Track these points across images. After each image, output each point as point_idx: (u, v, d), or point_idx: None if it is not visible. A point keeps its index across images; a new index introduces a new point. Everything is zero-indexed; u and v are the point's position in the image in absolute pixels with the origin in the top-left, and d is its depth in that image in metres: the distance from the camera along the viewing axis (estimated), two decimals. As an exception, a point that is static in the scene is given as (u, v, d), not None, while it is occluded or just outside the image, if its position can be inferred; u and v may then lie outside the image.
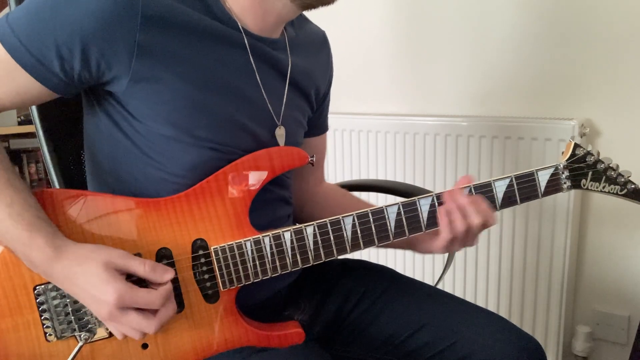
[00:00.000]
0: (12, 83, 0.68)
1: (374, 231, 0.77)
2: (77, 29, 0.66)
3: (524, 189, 0.80)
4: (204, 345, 0.74)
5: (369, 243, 0.77)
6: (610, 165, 0.82)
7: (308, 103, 0.90)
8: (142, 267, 0.66)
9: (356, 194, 1.07)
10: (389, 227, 0.77)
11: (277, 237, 0.74)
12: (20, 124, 2.34)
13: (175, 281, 0.72)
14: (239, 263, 0.74)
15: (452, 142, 1.54)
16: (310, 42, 0.92)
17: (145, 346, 0.72)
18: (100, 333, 0.71)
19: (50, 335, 0.70)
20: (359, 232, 0.76)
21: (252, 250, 0.74)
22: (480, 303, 1.43)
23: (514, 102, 1.53)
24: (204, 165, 0.74)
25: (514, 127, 1.44)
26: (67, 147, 0.95)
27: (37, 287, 0.69)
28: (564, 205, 1.39)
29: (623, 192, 0.82)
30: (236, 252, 0.74)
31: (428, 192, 0.81)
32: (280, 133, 0.82)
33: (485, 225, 0.77)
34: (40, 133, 0.92)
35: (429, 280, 1.64)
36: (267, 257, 0.74)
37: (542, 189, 0.81)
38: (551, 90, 1.47)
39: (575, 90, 1.43)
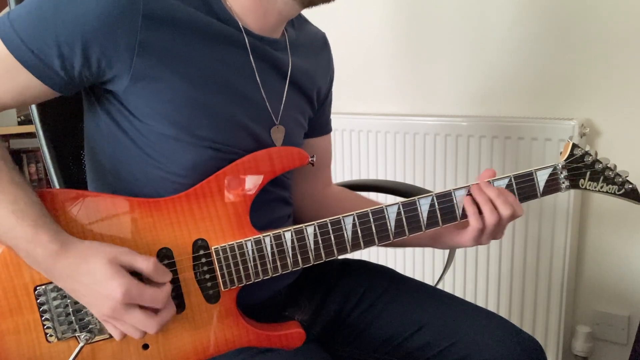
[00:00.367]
0: (13, 81, 0.68)
1: (374, 231, 0.77)
2: (78, 27, 0.66)
3: (522, 188, 0.80)
4: (204, 346, 0.74)
5: (369, 243, 0.77)
6: (608, 165, 0.82)
7: (309, 103, 0.90)
8: (146, 264, 0.66)
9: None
10: (389, 227, 0.77)
11: (277, 237, 0.74)
12: (20, 124, 2.34)
13: (176, 281, 0.72)
14: (239, 263, 0.74)
15: (452, 142, 1.54)
16: (310, 43, 0.92)
17: (145, 347, 0.72)
18: (101, 333, 0.71)
19: (50, 335, 0.70)
20: (359, 232, 0.76)
21: (252, 250, 0.74)
22: (480, 303, 1.43)
23: (514, 102, 1.53)
24: (204, 164, 0.74)
25: (514, 127, 1.44)
26: (67, 147, 0.95)
27: (38, 288, 0.69)
28: (564, 205, 1.39)
29: (621, 192, 0.82)
30: (237, 252, 0.74)
31: (428, 192, 0.81)
32: (278, 132, 0.82)
33: (513, 217, 0.78)
34: (40, 133, 0.92)
35: (429, 280, 1.64)
36: (268, 257, 0.75)
37: (541, 188, 0.81)
38: (551, 90, 1.47)
39: (575, 90, 1.43)
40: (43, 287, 0.69)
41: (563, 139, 1.37)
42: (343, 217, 0.76)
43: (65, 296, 0.69)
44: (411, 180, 1.63)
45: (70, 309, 0.70)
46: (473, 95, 1.59)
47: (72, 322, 0.70)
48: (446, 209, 0.79)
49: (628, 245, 1.43)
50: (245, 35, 0.77)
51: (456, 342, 0.83)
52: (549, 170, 0.81)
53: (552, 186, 0.81)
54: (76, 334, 0.70)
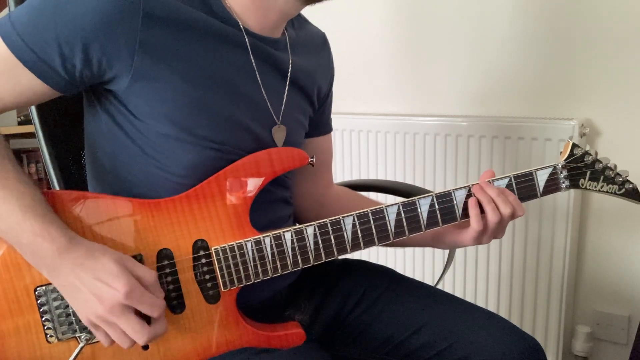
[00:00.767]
0: (14, 81, 0.68)
1: (374, 231, 0.77)
2: (78, 26, 0.66)
3: (522, 188, 0.80)
4: (204, 346, 0.74)
5: (369, 243, 0.77)
6: (608, 165, 0.82)
7: (309, 103, 0.90)
8: (148, 274, 0.67)
9: (356, 194, 1.06)
10: (389, 227, 0.77)
11: (277, 238, 0.74)
12: (20, 124, 2.34)
13: (176, 282, 0.73)
14: (239, 263, 0.74)
15: (452, 142, 1.54)
16: (310, 42, 0.92)
17: (146, 347, 0.72)
18: (101, 333, 0.71)
19: (51, 336, 0.70)
20: (359, 232, 0.76)
21: (252, 250, 0.74)
22: (480, 303, 1.43)
23: (514, 102, 1.53)
24: (204, 164, 0.74)
25: (514, 127, 1.44)
26: (67, 147, 0.95)
27: (38, 289, 0.69)
28: (564, 205, 1.39)
29: (621, 192, 0.82)
30: (237, 252, 0.74)
31: (428, 192, 0.81)
32: (279, 132, 0.82)
33: (513, 216, 0.79)
34: (40, 133, 0.92)
35: (429, 280, 1.64)
36: (268, 258, 0.75)
37: (541, 188, 0.81)
38: (551, 90, 1.47)
39: (575, 90, 1.43)
40: (43, 287, 0.69)
41: (563, 139, 1.37)
42: (343, 217, 0.76)
43: (65, 297, 0.69)
44: (411, 180, 1.63)
45: (71, 310, 0.70)
46: (473, 95, 1.59)
47: (72, 323, 0.70)
48: (446, 209, 0.79)
49: (628, 245, 1.43)
50: (245, 34, 0.77)
51: (456, 342, 0.83)
52: (549, 170, 0.81)
53: (552, 186, 0.81)
54: (76, 335, 0.70)
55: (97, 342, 0.71)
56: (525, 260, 1.48)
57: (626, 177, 0.82)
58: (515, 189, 0.80)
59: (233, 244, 0.73)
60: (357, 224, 0.76)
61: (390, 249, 1.72)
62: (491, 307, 1.55)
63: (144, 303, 0.65)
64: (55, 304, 0.70)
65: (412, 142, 1.62)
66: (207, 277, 0.74)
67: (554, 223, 1.42)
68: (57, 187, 0.94)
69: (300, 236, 0.75)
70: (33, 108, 0.91)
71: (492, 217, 0.77)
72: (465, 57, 1.58)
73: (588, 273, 1.50)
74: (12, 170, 0.67)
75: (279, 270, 0.75)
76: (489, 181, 0.79)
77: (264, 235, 0.74)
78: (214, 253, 0.73)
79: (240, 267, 0.74)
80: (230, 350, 0.76)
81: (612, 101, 1.39)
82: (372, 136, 1.69)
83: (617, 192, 0.82)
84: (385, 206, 0.77)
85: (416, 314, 0.87)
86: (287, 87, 0.83)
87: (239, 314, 0.76)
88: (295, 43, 0.86)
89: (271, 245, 0.74)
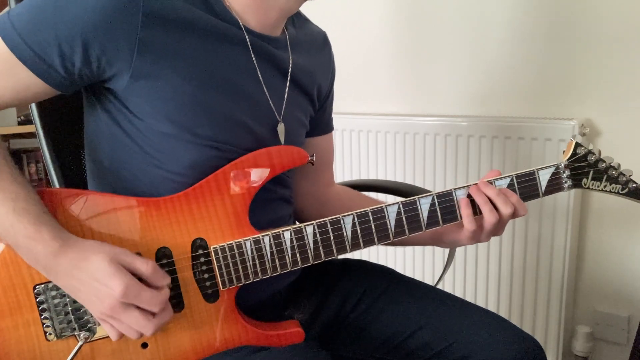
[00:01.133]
0: (13, 79, 0.68)
1: (374, 230, 0.77)
2: (78, 25, 0.66)
3: (524, 188, 0.80)
4: (203, 345, 0.74)
5: (368, 242, 0.77)
6: (612, 164, 0.81)
7: (310, 102, 0.90)
8: (144, 266, 0.66)
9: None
10: (389, 227, 0.77)
11: (276, 237, 0.74)
12: (20, 124, 2.34)
13: (175, 281, 0.72)
14: (238, 262, 0.74)
15: (452, 142, 1.54)
16: (311, 41, 0.92)
17: (145, 345, 0.72)
18: (100, 332, 0.71)
19: (50, 334, 0.70)
20: (358, 231, 0.76)
21: (251, 249, 0.74)
22: (480, 303, 1.43)
23: (514, 102, 1.53)
24: (203, 163, 0.74)
25: (514, 127, 1.44)
26: (67, 146, 0.95)
27: (37, 287, 0.69)
28: (564, 205, 1.39)
29: (624, 192, 0.82)
30: (236, 251, 0.73)
31: (428, 192, 0.81)
32: (281, 129, 0.82)
33: (515, 216, 0.78)
34: (40, 133, 0.92)
35: (429, 280, 1.64)
36: (267, 257, 0.74)
37: (543, 188, 0.81)
38: (551, 90, 1.47)
39: (575, 90, 1.43)
40: (42, 286, 0.69)
41: (563, 139, 1.37)
42: (342, 216, 0.76)
43: (64, 295, 0.69)
44: (411, 180, 1.63)
45: (70, 308, 0.70)
46: (473, 95, 1.59)
47: (71, 321, 0.70)
48: (447, 209, 0.78)
49: (628, 245, 1.43)
50: (246, 33, 0.76)
51: (456, 342, 0.83)
52: (551, 170, 0.81)
53: (555, 186, 0.81)
54: (75, 333, 0.70)
55: (96, 340, 0.71)
56: (525, 260, 1.48)
57: (630, 176, 0.82)
58: (517, 189, 0.80)
59: (232, 243, 0.73)
60: (357, 223, 0.76)
61: (390, 249, 1.72)
62: (491, 307, 1.55)
63: (142, 300, 0.64)
64: (55, 301, 0.70)
65: (412, 142, 1.61)
66: (206, 276, 0.73)
67: (554, 223, 1.41)
68: (57, 186, 0.93)
69: (299, 235, 0.75)
70: (33, 107, 0.91)
71: (489, 217, 0.77)
72: (465, 57, 1.58)
73: (588, 273, 1.50)
74: (7, 171, 0.67)
75: (278, 270, 0.75)
76: (489, 181, 0.79)
77: (263, 234, 0.74)
78: (212, 252, 0.73)
79: (240, 266, 0.74)
80: (229, 349, 0.76)
81: (612, 101, 1.39)
82: (372, 136, 1.69)
83: (621, 192, 0.82)
84: (386, 205, 0.77)
85: (416, 314, 0.87)
86: (287, 85, 0.83)
87: (238, 312, 0.76)
88: (296, 42, 0.86)
89: (270, 245, 0.74)
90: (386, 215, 0.77)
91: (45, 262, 0.65)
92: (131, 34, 0.67)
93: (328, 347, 0.89)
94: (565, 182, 0.81)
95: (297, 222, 0.91)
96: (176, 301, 0.72)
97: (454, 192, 0.78)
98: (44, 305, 0.69)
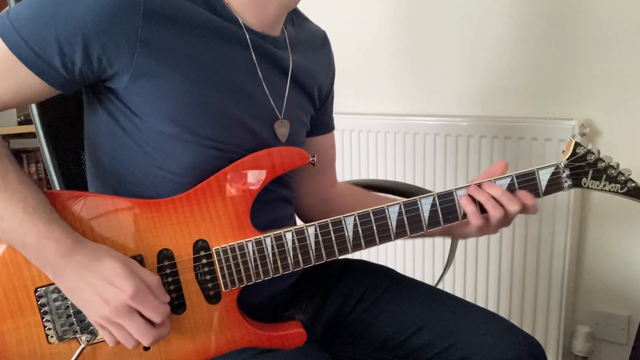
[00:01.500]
0: (13, 79, 0.68)
1: (375, 231, 0.77)
2: (78, 24, 0.65)
3: (525, 187, 0.80)
4: (205, 346, 0.74)
5: (370, 243, 0.77)
6: (611, 163, 0.82)
7: (311, 102, 0.90)
8: (151, 278, 0.66)
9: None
10: (391, 227, 0.77)
11: (278, 238, 0.74)
12: (20, 124, 2.34)
13: (176, 282, 0.72)
14: (240, 264, 0.74)
15: (452, 142, 1.54)
16: (310, 40, 0.92)
17: (146, 348, 0.72)
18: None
19: (51, 337, 0.70)
20: (360, 232, 0.76)
21: (253, 250, 0.74)
22: (480, 303, 1.43)
23: (514, 102, 1.53)
24: (204, 164, 0.74)
25: (514, 127, 1.44)
26: (67, 147, 0.95)
27: (39, 289, 0.69)
28: (564, 205, 1.39)
29: (623, 191, 0.82)
30: (237, 252, 0.73)
31: (428, 192, 0.81)
32: (282, 127, 0.81)
33: (524, 212, 0.79)
34: (40, 133, 0.92)
35: (429, 280, 1.64)
36: (269, 258, 0.74)
37: (543, 187, 0.81)
38: (551, 90, 1.47)
39: (575, 90, 1.43)
40: (44, 288, 0.69)
41: (563, 139, 1.37)
42: (344, 217, 0.76)
43: (66, 297, 0.69)
44: (411, 180, 1.63)
45: (72, 310, 0.70)
46: (473, 95, 1.59)
47: (73, 324, 0.70)
48: (448, 209, 0.78)
49: (628, 245, 1.43)
50: (246, 32, 0.76)
51: (456, 342, 0.83)
52: (551, 169, 0.81)
53: (555, 185, 0.81)
54: (77, 335, 0.70)
55: (98, 342, 0.71)
56: (525, 260, 1.48)
57: (629, 176, 0.82)
58: (517, 189, 0.80)
59: (234, 244, 0.73)
60: (359, 224, 0.76)
61: (390, 249, 1.72)
62: (491, 307, 1.55)
63: (148, 307, 0.65)
64: (56, 304, 0.69)
65: (412, 142, 1.61)
66: (208, 277, 0.73)
67: (554, 223, 1.42)
68: (57, 186, 0.93)
69: (301, 236, 0.75)
70: (33, 108, 0.91)
71: (494, 213, 0.77)
72: (466, 56, 1.58)
73: (588, 273, 1.50)
74: (12, 171, 0.67)
75: (280, 271, 0.75)
76: (491, 180, 0.79)
77: (264, 235, 0.74)
78: (214, 253, 0.73)
79: (241, 267, 0.74)
80: (232, 350, 0.76)
81: (612, 101, 1.39)
82: (372, 136, 1.69)
83: (620, 191, 0.82)
84: (387, 206, 0.77)
85: (416, 314, 0.87)
86: (288, 85, 0.83)
87: (240, 314, 0.76)
88: (295, 41, 0.86)
89: (272, 245, 0.74)
90: (387, 216, 0.77)
91: (54, 261, 0.65)
92: (132, 32, 0.67)
93: (329, 347, 0.89)
94: (565, 182, 0.82)
95: (298, 223, 0.91)
96: (178, 303, 0.72)
97: (454, 192, 0.79)
98: (46, 308, 0.69)
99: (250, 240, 0.74)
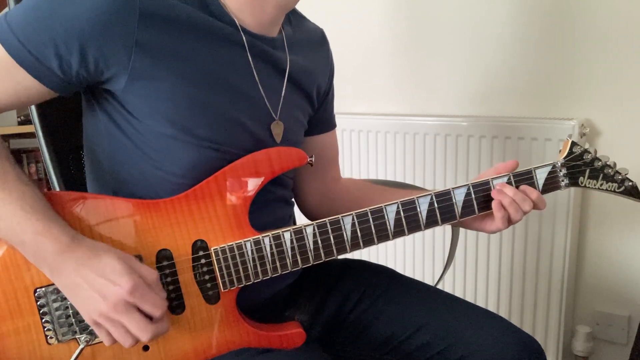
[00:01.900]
0: (11, 82, 0.68)
1: (373, 230, 0.77)
2: (75, 27, 0.66)
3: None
4: (204, 347, 0.74)
5: (368, 242, 0.77)
6: (608, 162, 0.82)
7: (309, 101, 0.90)
8: (149, 273, 0.66)
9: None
10: (389, 227, 0.77)
11: (277, 237, 0.74)
12: (20, 124, 2.34)
13: (175, 282, 0.73)
14: (239, 264, 0.74)
15: (452, 142, 1.54)
16: (308, 40, 0.92)
17: (146, 348, 0.72)
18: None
19: (51, 338, 0.70)
20: (358, 231, 0.76)
21: (252, 250, 0.74)
22: (480, 303, 1.43)
23: (514, 102, 1.53)
24: (202, 164, 0.74)
25: (514, 127, 1.44)
26: (67, 147, 0.95)
27: (38, 290, 0.69)
28: (563, 205, 1.39)
29: (620, 190, 0.82)
30: (236, 252, 0.74)
31: (428, 192, 0.81)
32: (277, 128, 0.82)
33: (535, 209, 0.81)
34: (40, 133, 0.92)
35: (429, 280, 1.64)
36: (267, 258, 0.74)
37: (540, 186, 0.81)
38: (551, 90, 1.47)
39: (575, 90, 1.43)
40: (43, 289, 0.69)
41: (563, 139, 1.36)
42: (342, 217, 0.76)
43: (65, 298, 0.69)
44: (411, 180, 1.63)
45: (71, 311, 0.70)
46: (473, 95, 1.59)
47: (72, 324, 0.70)
48: (445, 208, 0.79)
49: (628, 245, 1.43)
50: (242, 33, 0.76)
51: (456, 342, 0.83)
52: (548, 169, 0.81)
53: (552, 184, 0.81)
54: (76, 336, 0.70)
55: (97, 343, 0.71)
56: (525, 260, 1.48)
57: (625, 174, 0.82)
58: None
59: (232, 244, 0.73)
60: (357, 224, 0.76)
61: (390, 249, 1.72)
62: (491, 307, 1.55)
63: (147, 302, 0.65)
64: (55, 305, 0.70)
65: (412, 142, 1.61)
66: (207, 277, 0.74)
67: (554, 223, 1.41)
68: (57, 187, 0.94)
69: (299, 236, 0.75)
70: (33, 108, 0.91)
71: (515, 216, 0.79)
72: (465, 56, 1.58)
73: (588, 273, 1.50)
74: (11, 171, 0.67)
75: (279, 270, 0.75)
76: (491, 180, 0.80)
77: (263, 235, 0.74)
78: (213, 253, 0.73)
79: (240, 268, 0.74)
80: (231, 351, 0.76)
81: (612, 101, 1.39)
82: (372, 136, 1.69)
83: (617, 190, 0.82)
84: (385, 205, 0.77)
85: (416, 314, 0.87)
86: (285, 85, 0.83)
87: (239, 314, 0.76)
88: (293, 41, 0.86)
89: (270, 245, 0.74)
90: (385, 215, 0.77)
91: (52, 258, 0.65)
92: (128, 35, 0.67)
93: (328, 347, 0.90)
94: (562, 181, 0.82)
95: (298, 223, 0.91)
96: (177, 303, 0.73)
97: (452, 192, 0.79)
98: (45, 309, 0.69)
99: (249, 240, 0.74)
